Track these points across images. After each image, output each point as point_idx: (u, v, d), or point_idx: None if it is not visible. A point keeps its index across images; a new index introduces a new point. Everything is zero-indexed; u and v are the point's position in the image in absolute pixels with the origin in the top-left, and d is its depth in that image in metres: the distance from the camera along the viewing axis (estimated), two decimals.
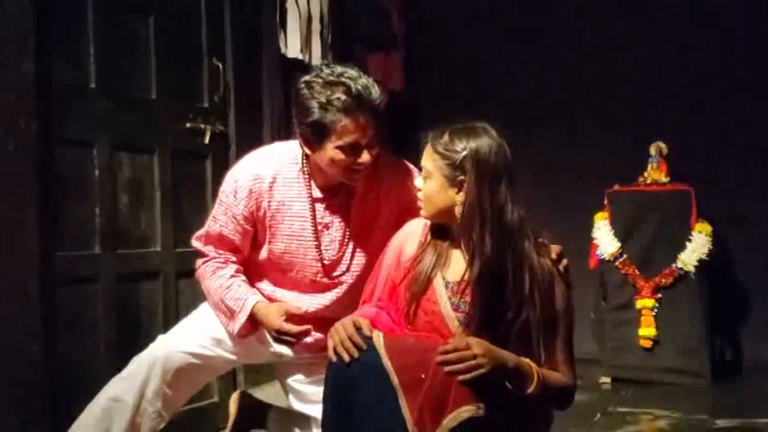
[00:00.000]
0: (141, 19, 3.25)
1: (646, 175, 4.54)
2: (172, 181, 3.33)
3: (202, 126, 3.48)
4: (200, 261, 2.53)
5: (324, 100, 2.22)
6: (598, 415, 3.74)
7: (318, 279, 2.46)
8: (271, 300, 2.49)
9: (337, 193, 2.44)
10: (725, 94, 4.69)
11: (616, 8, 4.85)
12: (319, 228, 2.42)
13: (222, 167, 3.45)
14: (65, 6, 2.95)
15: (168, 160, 3.31)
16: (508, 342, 2.04)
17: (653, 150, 4.55)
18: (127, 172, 3.17)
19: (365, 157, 2.28)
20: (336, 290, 2.47)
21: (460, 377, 1.90)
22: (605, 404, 3.95)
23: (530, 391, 1.99)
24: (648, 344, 4.38)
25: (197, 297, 3.17)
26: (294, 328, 2.32)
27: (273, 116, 3.84)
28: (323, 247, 2.43)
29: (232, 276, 2.46)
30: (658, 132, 4.58)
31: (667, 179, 4.51)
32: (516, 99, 4.92)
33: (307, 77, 2.31)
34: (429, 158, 2.13)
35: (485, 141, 2.08)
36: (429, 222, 2.20)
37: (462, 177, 2.08)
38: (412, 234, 2.26)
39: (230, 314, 2.44)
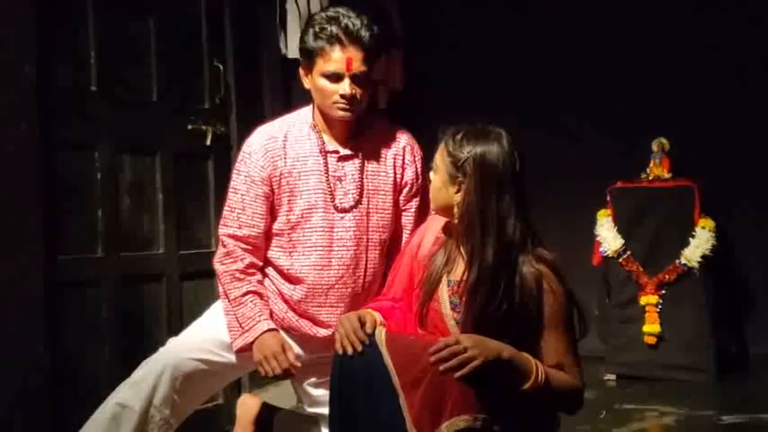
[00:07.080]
0: (142, 21, 3.25)
1: (648, 171, 4.53)
2: (174, 183, 3.32)
3: (204, 127, 3.48)
4: (221, 252, 2.49)
5: (318, 29, 2.41)
6: (603, 412, 3.72)
7: (336, 235, 2.45)
8: (287, 277, 2.48)
9: (347, 143, 2.50)
10: (727, 90, 4.68)
11: (618, 4, 4.84)
12: (332, 180, 2.47)
13: (224, 169, 3.45)
14: (65, 8, 2.95)
15: (170, 162, 3.31)
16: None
17: (655, 146, 4.54)
18: (129, 174, 3.17)
19: (345, 87, 2.38)
20: (355, 250, 2.46)
21: (456, 374, 1.89)
22: (611, 401, 3.94)
23: (527, 385, 1.96)
24: (653, 340, 4.37)
25: (201, 299, 3.18)
26: (282, 363, 2.34)
27: (275, 117, 3.83)
28: (337, 200, 2.46)
29: (248, 293, 2.44)
30: (660, 128, 4.57)
31: (670, 175, 4.49)
32: (518, 95, 4.90)
33: (314, 13, 2.63)
34: (439, 154, 2.15)
35: (493, 148, 2.07)
36: (444, 221, 2.22)
37: (462, 179, 2.09)
38: (430, 231, 2.28)
39: (238, 326, 2.43)
